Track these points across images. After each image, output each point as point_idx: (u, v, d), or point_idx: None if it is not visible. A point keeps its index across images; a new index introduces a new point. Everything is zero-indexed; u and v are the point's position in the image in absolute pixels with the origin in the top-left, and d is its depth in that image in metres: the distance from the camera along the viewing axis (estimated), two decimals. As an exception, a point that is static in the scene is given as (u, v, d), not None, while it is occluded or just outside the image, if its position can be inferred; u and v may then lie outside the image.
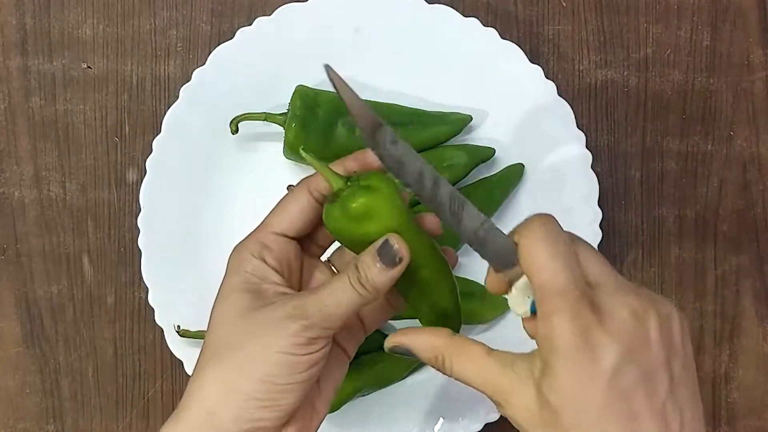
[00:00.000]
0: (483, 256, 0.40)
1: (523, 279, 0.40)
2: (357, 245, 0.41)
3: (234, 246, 0.44)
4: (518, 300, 0.40)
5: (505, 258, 0.39)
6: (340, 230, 0.41)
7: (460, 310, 0.46)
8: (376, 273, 0.40)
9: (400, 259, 0.40)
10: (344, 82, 0.36)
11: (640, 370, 0.36)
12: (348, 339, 0.45)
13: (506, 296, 0.41)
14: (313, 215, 0.43)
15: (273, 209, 0.44)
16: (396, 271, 0.40)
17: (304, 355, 0.39)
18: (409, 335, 0.42)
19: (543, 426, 0.37)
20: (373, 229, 0.40)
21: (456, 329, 0.45)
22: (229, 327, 0.40)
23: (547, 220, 0.38)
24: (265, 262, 0.42)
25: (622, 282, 0.38)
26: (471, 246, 0.40)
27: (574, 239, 0.39)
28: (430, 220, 0.43)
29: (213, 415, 0.39)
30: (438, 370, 0.41)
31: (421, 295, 0.44)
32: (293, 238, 0.44)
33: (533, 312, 0.40)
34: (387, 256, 0.40)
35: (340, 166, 0.43)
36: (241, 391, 0.39)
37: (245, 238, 0.44)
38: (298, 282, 0.45)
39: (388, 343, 0.42)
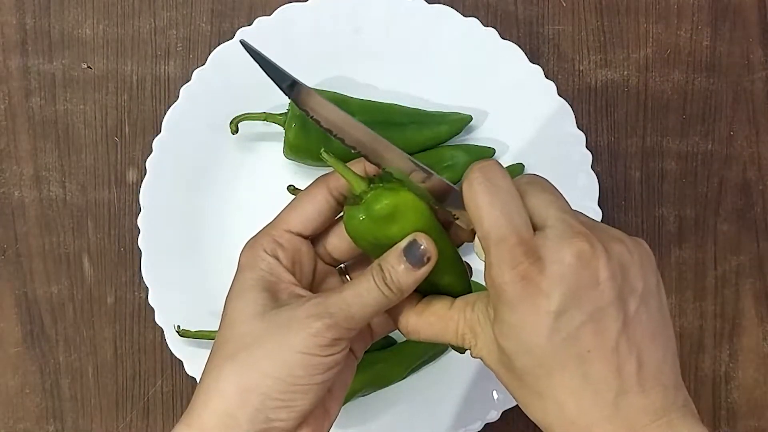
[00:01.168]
0: (445, 206, 0.40)
1: None
2: (378, 249, 0.41)
3: (246, 242, 0.43)
4: (480, 247, 0.39)
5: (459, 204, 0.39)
6: (363, 232, 0.40)
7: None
8: (402, 273, 0.39)
9: (428, 259, 0.39)
10: (258, 50, 0.38)
11: (586, 312, 0.35)
12: (358, 341, 0.44)
13: (475, 243, 0.40)
14: (330, 215, 0.43)
15: (288, 205, 0.43)
16: (423, 272, 0.39)
17: (326, 356, 0.39)
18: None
19: (503, 368, 0.38)
20: (397, 230, 0.40)
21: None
22: (247, 326, 0.39)
23: (487, 166, 0.38)
24: (278, 260, 0.41)
25: (574, 223, 0.36)
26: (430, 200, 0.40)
27: (527, 182, 0.39)
28: (455, 231, 0.43)
29: (229, 415, 0.38)
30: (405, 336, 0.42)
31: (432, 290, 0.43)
32: (307, 237, 0.43)
33: None
34: (414, 256, 0.39)
35: (360, 166, 0.42)
36: (259, 391, 0.38)
37: (258, 233, 0.43)
38: (309, 285, 0.44)
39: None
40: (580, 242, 0.35)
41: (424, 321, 0.41)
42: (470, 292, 0.43)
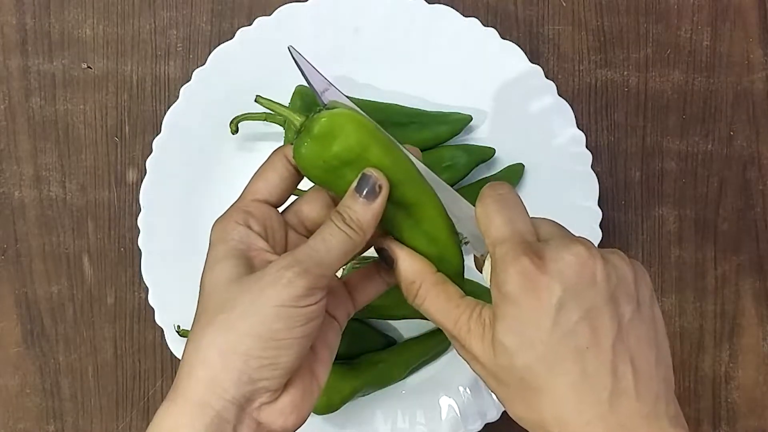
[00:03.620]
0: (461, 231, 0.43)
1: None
2: (332, 176, 0.41)
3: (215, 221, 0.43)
4: (488, 271, 0.40)
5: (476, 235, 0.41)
6: (310, 160, 0.40)
7: (461, 258, 0.44)
8: (360, 209, 0.40)
9: (380, 187, 0.40)
10: (305, 58, 0.42)
11: (584, 308, 0.37)
12: (337, 307, 0.44)
13: (482, 272, 0.41)
14: (291, 181, 0.43)
15: (252, 178, 0.44)
16: (378, 203, 0.40)
17: (302, 306, 0.38)
18: (403, 250, 0.43)
19: (499, 366, 0.38)
20: (340, 147, 0.39)
21: (460, 272, 0.44)
22: (222, 292, 0.39)
23: (498, 184, 0.41)
24: (250, 228, 0.42)
25: (576, 237, 0.39)
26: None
27: (532, 217, 0.41)
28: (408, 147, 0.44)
29: (214, 381, 0.38)
30: (406, 297, 0.43)
31: (413, 226, 0.43)
32: (274, 206, 0.44)
33: None
34: (365, 189, 0.40)
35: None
36: (240, 351, 0.38)
37: (227, 210, 0.43)
38: (283, 252, 0.44)
39: (380, 242, 0.43)
40: (580, 247, 0.37)
41: (435, 292, 0.42)
42: (442, 209, 0.43)
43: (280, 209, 0.44)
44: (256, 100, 0.44)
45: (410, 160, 0.42)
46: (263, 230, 0.42)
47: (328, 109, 0.40)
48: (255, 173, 0.44)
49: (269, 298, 0.38)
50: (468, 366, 0.42)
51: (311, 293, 0.39)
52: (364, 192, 0.40)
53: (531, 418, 0.38)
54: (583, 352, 0.36)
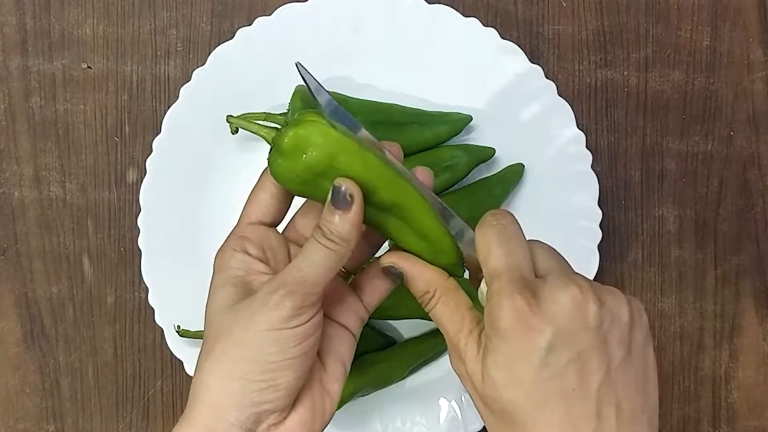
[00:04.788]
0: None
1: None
2: (312, 188, 0.41)
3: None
4: (484, 294, 0.41)
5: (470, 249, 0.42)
6: (285, 174, 0.40)
7: (456, 246, 0.44)
8: (338, 221, 0.40)
9: (351, 197, 0.39)
10: (311, 75, 0.42)
11: (574, 351, 0.37)
12: (345, 314, 0.44)
13: (482, 290, 0.41)
14: (283, 198, 0.43)
15: (246, 201, 0.44)
16: (354, 212, 0.40)
17: (293, 327, 0.39)
18: (410, 260, 0.42)
19: (486, 393, 0.39)
20: (311, 159, 0.39)
21: (456, 263, 0.44)
22: (218, 320, 0.40)
23: (500, 213, 0.41)
24: (247, 253, 0.42)
25: (574, 277, 0.39)
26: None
27: (537, 242, 0.41)
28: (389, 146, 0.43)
29: (217, 406, 0.39)
30: (420, 303, 0.43)
31: (402, 226, 0.42)
32: (271, 225, 0.44)
33: None
34: (339, 201, 0.39)
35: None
36: (237, 377, 0.39)
37: (226, 238, 0.44)
38: None
39: (386, 259, 0.43)
40: (576, 289, 0.37)
41: (446, 299, 0.42)
42: (426, 203, 0.43)
43: (281, 225, 0.45)
44: (227, 120, 0.43)
45: (387, 161, 0.42)
46: (261, 253, 0.43)
47: (294, 122, 0.40)
48: (248, 196, 0.44)
49: (259, 323, 0.39)
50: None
51: (300, 312, 0.39)
52: (339, 203, 0.40)
53: None
54: (568, 393, 0.37)
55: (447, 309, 0.42)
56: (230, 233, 0.44)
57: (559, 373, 0.37)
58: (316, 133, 0.40)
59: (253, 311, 0.39)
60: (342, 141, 0.40)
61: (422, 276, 0.42)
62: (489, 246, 0.40)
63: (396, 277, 0.43)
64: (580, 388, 0.37)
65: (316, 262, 0.40)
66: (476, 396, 0.40)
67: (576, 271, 0.41)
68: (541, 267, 0.40)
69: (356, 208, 0.40)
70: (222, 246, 0.43)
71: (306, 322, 0.39)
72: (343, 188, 0.39)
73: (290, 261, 0.43)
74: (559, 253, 0.41)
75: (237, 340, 0.39)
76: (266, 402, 0.39)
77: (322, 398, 0.42)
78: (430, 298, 0.42)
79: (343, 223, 0.40)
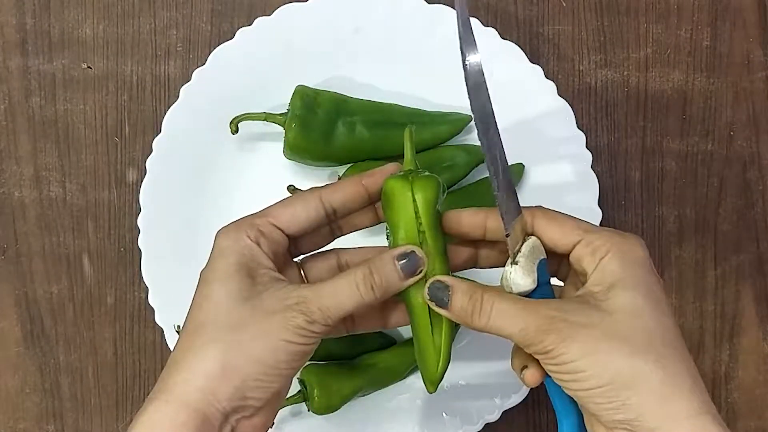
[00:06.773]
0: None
1: (530, 242, 0.42)
2: (399, 215, 0.44)
3: (221, 227, 0.44)
4: (526, 268, 0.42)
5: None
6: (396, 197, 0.44)
7: (442, 365, 0.45)
8: (397, 279, 0.42)
9: (420, 271, 0.42)
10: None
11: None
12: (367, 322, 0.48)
13: (510, 272, 0.42)
14: (315, 223, 0.45)
15: (279, 202, 0.45)
16: (413, 281, 0.43)
17: (306, 345, 0.41)
18: (450, 278, 0.43)
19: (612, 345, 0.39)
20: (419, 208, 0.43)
21: (436, 381, 0.46)
22: (230, 310, 0.41)
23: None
24: (259, 246, 0.43)
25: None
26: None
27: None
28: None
29: (211, 392, 0.40)
30: (465, 320, 0.42)
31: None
32: (287, 235, 0.45)
33: (540, 283, 0.42)
34: (409, 266, 0.42)
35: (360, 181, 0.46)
36: (242, 371, 0.40)
37: (240, 220, 0.44)
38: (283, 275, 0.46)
39: (431, 282, 0.43)
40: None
41: (498, 302, 0.41)
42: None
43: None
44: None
45: (445, 251, 0.45)
46: (271, 253, 0.44)
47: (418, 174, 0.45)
48: (285, 198, 0.45)
49: (279, 332, 0.40)
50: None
51: (316, 335, 0.41)
52: (406, 267, 0.42)
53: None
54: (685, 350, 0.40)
55: (509, 310, 0.41)
56: (246, 218, 0.44)
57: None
58: (431, 196, 0.44)
59: (275, 319, 0.40)
60: (435, 218, 0.44)
61: (464, 285, 0.42)
62: (563, 218, 0.44)
63: (439, 292, 0.43)
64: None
65: (344, 304, 0.42)
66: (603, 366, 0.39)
67: None
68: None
69: (417, 279, 0.43)
70: (233, 226, 0.44)
71: (315, 342, 0.42)
72: (420, 259, 0.43)
73: (287, 269, 0.46)
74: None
75: (255, 338, 0.40)
76: (254, 399, 0.41)
77: (277, 402, 0.44)
78: (480, 305, 0.41)
79: (399, 283, 0.43)
